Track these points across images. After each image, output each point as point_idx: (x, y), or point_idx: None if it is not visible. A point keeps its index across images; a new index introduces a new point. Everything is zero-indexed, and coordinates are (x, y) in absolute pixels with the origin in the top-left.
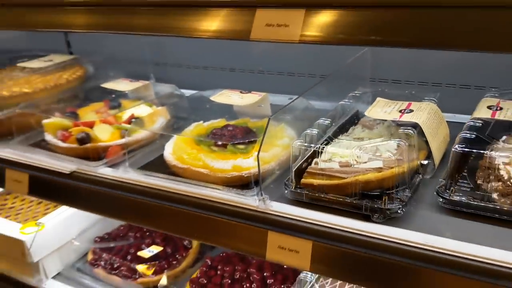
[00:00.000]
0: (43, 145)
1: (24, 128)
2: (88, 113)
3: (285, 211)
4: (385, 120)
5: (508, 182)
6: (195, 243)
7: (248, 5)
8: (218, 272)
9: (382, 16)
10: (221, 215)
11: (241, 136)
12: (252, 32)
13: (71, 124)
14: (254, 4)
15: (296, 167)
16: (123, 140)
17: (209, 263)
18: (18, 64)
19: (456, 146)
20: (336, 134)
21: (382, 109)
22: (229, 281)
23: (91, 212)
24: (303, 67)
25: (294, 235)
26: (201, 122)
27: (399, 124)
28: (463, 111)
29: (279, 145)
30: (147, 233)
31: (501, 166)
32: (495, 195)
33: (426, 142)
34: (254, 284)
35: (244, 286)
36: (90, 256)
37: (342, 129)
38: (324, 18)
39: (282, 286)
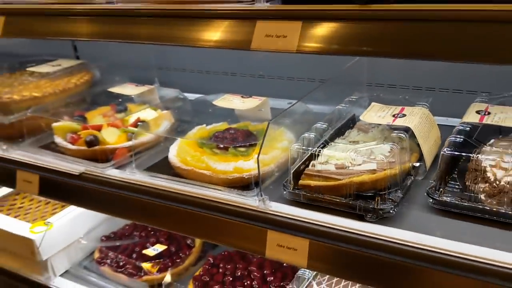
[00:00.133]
0: (52, 147)
1: (34, 131)
2: (95, 117)
3: (283, 211)
4: (380, 124)
5: (495, 184)
6: (198, 242)
7: (249, 17)
8: (220, 270)
9: (373, 29)
10: (223, 215)
11: (242, 139)
12: (252, 42)
13: (80, 127)
14: (255, 16)
15: (294, 169)
16: (129, 143)
17: (211, 261)
18: (28, 69)
19: (445, 149)
20: (332, 138)
21: (377, 114)
22: (231, 279)
23: (99, 212)
24: (302, 72)
25: (292, 234)
26: (204, 125)
27: (392, 128)
28: (455, 115)
29: (279, 148)
30: (152, 232)
31: (488, 169)
32: (482, 196)
33: (418, 145)
34: (254, 281)
35: (245, 283)
36: (96, 255)
37: (339, 133)
38: (319, 30)
39: (282, 283)
